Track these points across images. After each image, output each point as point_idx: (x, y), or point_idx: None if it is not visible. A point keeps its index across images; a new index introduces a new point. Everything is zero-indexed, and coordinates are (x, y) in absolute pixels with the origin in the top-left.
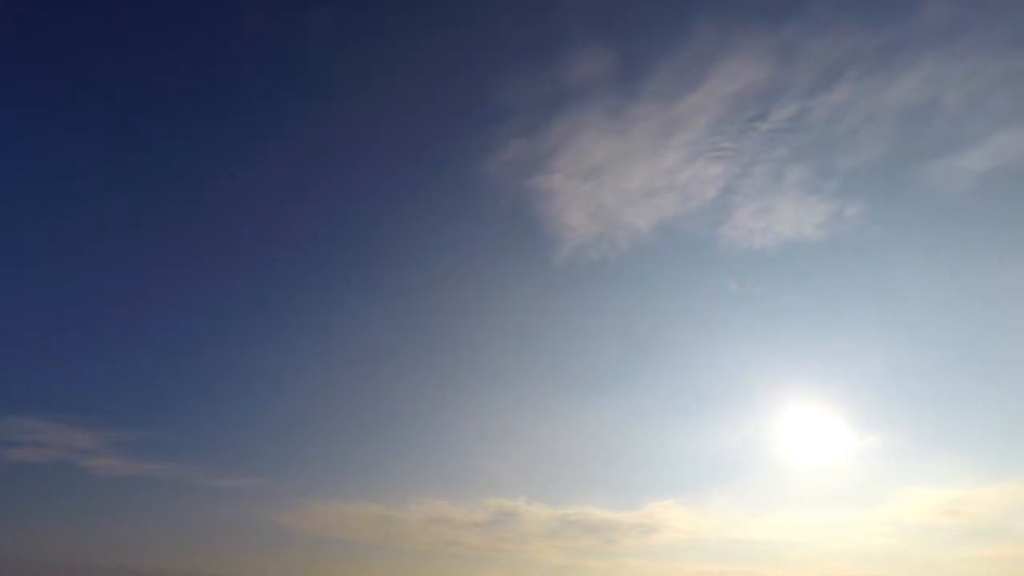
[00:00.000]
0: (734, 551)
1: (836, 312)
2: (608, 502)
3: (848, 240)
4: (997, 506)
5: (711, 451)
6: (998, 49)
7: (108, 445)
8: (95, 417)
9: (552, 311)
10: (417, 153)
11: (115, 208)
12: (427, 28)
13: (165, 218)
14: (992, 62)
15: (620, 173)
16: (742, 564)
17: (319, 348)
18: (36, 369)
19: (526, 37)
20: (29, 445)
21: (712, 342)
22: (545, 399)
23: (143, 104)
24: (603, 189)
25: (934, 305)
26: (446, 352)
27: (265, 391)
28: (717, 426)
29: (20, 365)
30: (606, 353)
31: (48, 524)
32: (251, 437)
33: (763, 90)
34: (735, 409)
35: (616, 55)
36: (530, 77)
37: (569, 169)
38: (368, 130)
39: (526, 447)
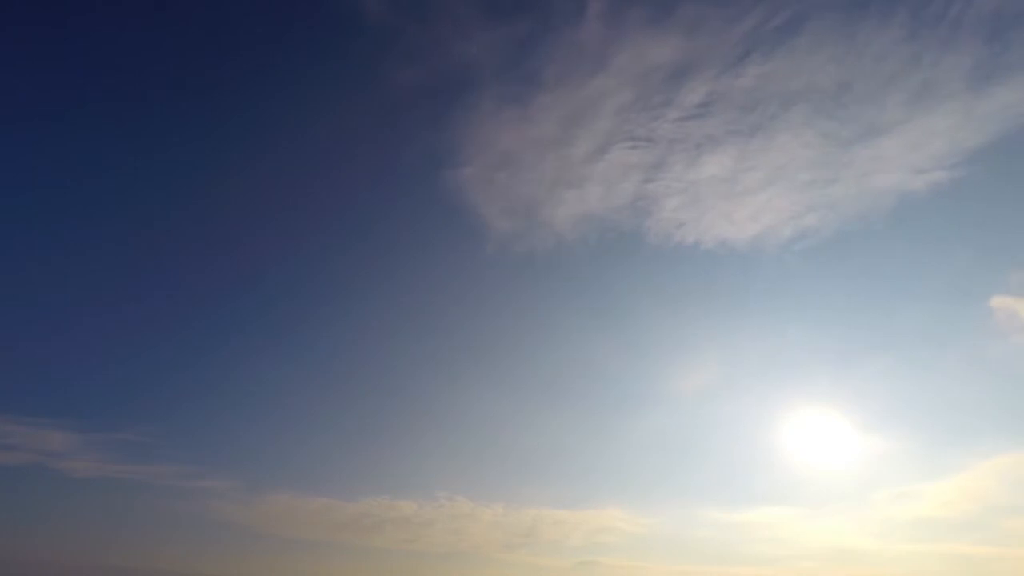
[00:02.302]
0: (699, 550)
1: (784, 310)
2: (563, 501)
3: (783, 235)
4: (960, 501)
5: (661, 449)
6: (906, 30)
7: (82, 447)
8: (69, 419)
9: (489, 307)
10: (332, 154)
11: (99, 209)
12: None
13: (148, 220)
14: (902, 44)
15: (533, 164)
16: (716, 564)
17: (282, 348)
18: (9, 370)
19: (409, 23)
20: (2, 448)
21: (656, 339)
22: (496, 399)
23: (145, 107)
24: (519, 181)
25: (880, 301)
26: (395, 351)
27: (238, 392)
28: (665, 425)
29: None
30: (546, 350)
31: (23, 525)
32: (225, 438)
33: (669, 73)
34: (686, 407)
35: (506, 38)
36: (420, 66)
37: (480, 162)
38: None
39: (480, 446)
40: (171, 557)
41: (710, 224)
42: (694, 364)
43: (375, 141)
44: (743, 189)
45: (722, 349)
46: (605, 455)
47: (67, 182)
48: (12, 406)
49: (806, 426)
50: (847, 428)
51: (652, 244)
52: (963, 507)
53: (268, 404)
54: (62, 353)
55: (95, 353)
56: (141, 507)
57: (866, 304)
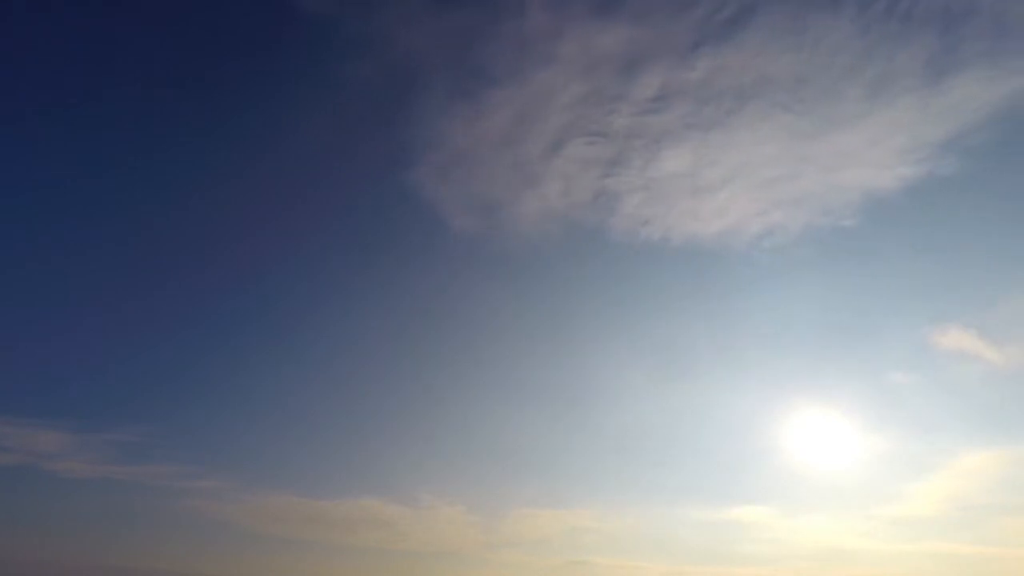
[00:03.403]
0: (688, 550)
1: (757, 307)
2: (545, 499)
3: (750, 232)
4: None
5: (641, 448)
6: (856, 24)
7: (76, 447)
8: (62, 420)
9: (459, 307)
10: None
11: (95, 209)
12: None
13: (144, 220)
14: (854, 38)
15: (489, 161)
16: (707, 563)
17: (273, 349)
18: (1, 371)
19: (349, 16)
20: None
21: (629, 336)
22: (474, 399)
23: (144, 104)
24: (477, 179)
25: (854, 299)
26: (371, 352)
27: (231, 393)
28: (644, 423)
29: None
30: (519, 349)
31: (15, 526)
32: (219, 439)
33: (619, 66)
34: (666, 404)
35: (450, 29)
36: (362, 61)
37: (435, 160)
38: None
39: (461, 446)
40: (164, 557)
41: (675, 221)
42: (669, 361)
43: (322, 139)
44: (705, 185)
45: (697, 346)
46: (585, 453)
47: (55, 181)
48: (4, 407)
49: (788, 425)
50: (829, 427)
51: (618, 241)
52: (951, 506)
53: (261, 405)
54: (55, 353)
55: (88, 353)
56: (134, 507)
57: (840, 302)
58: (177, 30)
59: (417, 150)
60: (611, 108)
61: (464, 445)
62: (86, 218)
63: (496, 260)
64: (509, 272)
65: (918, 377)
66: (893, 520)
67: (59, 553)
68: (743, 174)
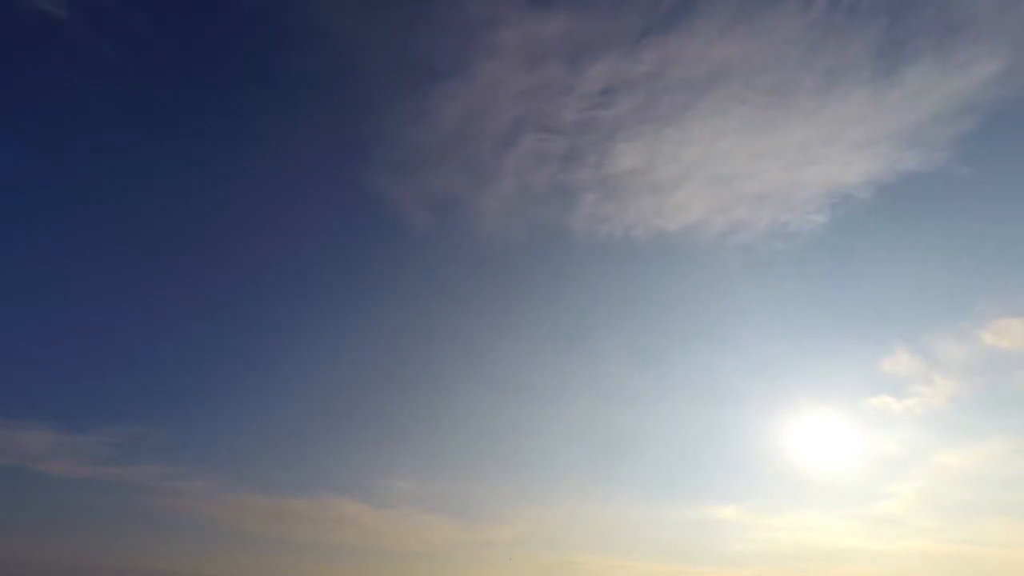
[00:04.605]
0: (674, 549)
1: (732, 305)
2: (528, 498)
3: (714, 229)
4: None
5: (624, 446)
6: (805, 17)
7: (62, 448)
8: (49, 420)
9: (432, 306)
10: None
11: (81, 210)
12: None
13: (135, 220)
14: (803, 31)
15: (442, 158)
16: (699, 563)
17: (260, 351)
18: None
19: (287, 9)
20: None
21: (601, 334)
22: (450, 398)
23: (142, 103)
24: (432, 177)
25: (831, 295)
26: (344, 353)
27: (220, 394)
28: (626, 421)
29: None
30: (497, 349)
31: (4, 527)
32: (207, 438)
33: (565, 58)
34: (646, 402)
35: (385, 21)
36: (305, 55)
37: (390, 158)
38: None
39: (441, 445)
40: (146, 555)
41: (636, 218)
42: (650, 359)
43: (269, 138)
44: (663, 181)
45: (674, 344)
46: (565, 452)
47: (41, 183)
48: None
49: (769, 425)
50: (808, 427)
51: (579, 239)
52: (928, 505)
53: (242, 406)
54: (43, 354)
55: (76, 355)
56: (118, 507)
57: (815, 299)
58: (113, 28)
59: (369, 148)
60: (560, 102)
61: (449, 445)
62: (74, 220)
63: (461, 258)
64: (475, 270)
65: (893, 378)
66: (872, 519)
67: (46, 552)
68: (702, 169)
